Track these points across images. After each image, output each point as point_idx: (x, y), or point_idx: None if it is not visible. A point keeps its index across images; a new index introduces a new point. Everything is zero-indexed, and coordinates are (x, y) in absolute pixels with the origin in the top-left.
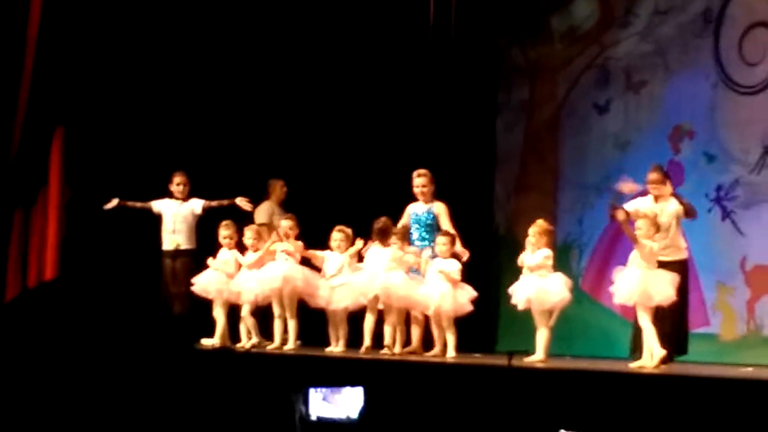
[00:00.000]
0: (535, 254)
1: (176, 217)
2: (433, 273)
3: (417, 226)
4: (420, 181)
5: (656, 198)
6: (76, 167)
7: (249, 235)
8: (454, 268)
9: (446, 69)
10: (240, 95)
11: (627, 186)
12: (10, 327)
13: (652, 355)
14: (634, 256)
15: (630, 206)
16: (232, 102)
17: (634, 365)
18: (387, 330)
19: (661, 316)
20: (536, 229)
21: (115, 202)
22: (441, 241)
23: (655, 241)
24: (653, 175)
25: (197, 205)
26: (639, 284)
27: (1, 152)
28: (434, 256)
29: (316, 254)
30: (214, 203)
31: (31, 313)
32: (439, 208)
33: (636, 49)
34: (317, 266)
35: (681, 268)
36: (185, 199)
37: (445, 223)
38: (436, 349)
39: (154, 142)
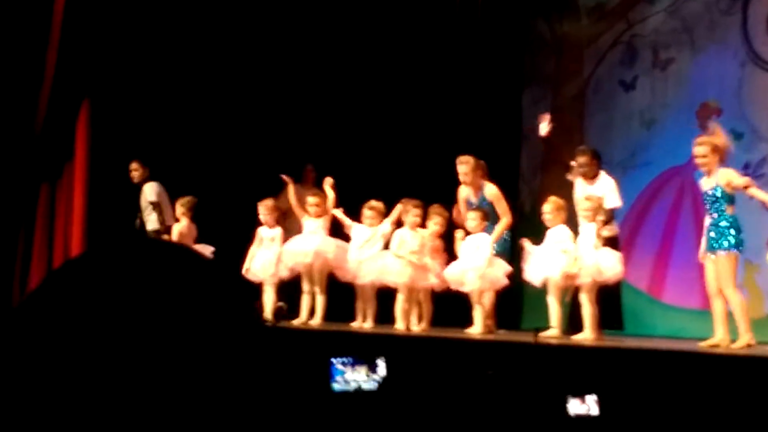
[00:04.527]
0: (557, 229)
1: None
2: (465, 249)
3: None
4: (461, 169)
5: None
6: (102, 140)
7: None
8: (486, 242)
9: (473, 43)
10: (270, 62)
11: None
12: (37, 319)
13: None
14: None
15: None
16: (261, 78)
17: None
18: (402, 307)
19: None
20: (551, 206)
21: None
22: (471, 216)
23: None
24: (583, 158)
25: (148, 190)
26: None
27: (27, 125)
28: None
29: (345, 220)
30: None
31: (61, 300)
32: (491, 194)
33: (663, 26)
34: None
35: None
36: (140, 183)
37: (501, 208)
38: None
39: (181, 115)
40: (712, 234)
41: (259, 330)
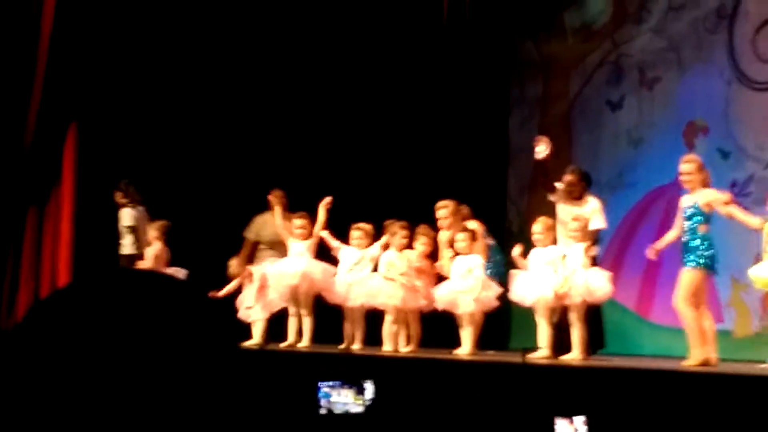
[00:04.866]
0: (547, 249)
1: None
2: (457, 271)
3: None
4: (441, 213)
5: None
6: (90, 163)
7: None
8: (479, 264)
9: (460, 64)
10: (253, 86)
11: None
12: (27, 349)
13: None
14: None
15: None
16: (247, 100)
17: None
18: (390, 329)
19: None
20: (541, 226)
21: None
22: (460, 237)
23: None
24: (570, 177)
25: (125, 215)
26: None
27: (15, 148)
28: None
29: (332, 242)
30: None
31: (49, 331)
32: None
33: (649, 46)
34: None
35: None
36: (119, 208)
37: (478, 247)
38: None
39: (169, 137)
40: (683, 249)
41: (234, 350)
